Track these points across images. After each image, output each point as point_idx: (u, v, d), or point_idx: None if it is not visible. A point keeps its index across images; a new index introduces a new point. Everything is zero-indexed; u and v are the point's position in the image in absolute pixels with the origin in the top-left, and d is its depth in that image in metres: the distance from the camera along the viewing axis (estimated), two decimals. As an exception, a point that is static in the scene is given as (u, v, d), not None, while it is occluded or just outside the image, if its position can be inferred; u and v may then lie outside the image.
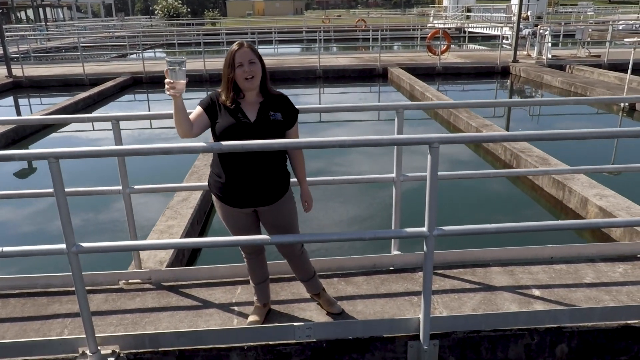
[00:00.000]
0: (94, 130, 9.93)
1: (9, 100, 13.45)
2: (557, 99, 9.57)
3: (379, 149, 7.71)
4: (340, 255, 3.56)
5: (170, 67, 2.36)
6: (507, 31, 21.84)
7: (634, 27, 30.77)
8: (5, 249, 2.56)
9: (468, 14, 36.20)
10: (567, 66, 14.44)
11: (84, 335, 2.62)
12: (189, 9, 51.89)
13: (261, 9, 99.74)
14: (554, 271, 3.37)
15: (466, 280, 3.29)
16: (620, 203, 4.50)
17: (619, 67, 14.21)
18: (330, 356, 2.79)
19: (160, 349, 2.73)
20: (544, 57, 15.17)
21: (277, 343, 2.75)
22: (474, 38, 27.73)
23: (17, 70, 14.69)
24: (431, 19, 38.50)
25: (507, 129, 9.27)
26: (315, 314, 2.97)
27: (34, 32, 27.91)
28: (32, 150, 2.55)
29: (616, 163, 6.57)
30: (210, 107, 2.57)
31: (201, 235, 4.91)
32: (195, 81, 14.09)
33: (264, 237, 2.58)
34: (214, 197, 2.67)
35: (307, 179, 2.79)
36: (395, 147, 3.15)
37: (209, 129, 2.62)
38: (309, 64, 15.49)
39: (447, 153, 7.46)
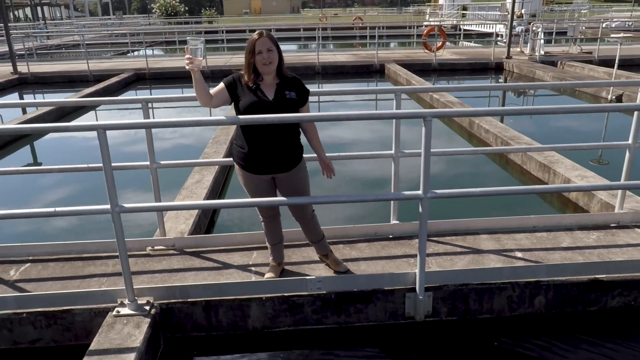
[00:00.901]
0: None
1: (14, 96, 13.76)
2: (537, 84, 9.98)
3: (379, 136, 8.13)
4: (345, 224, 3.95)
5: (191, 47, 2.76)
6: (501, 29, 22.31)
7: (626, 25, 31.31)
8: (58, 209, 2.96)
9: (464, 12, 36.62)
10: (559, 62, 14.88)
11: (123, 287, 3.02)
12: (186, 8, 51.97)
13: (258, 8, 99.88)
14: (535, 238, 3.78)
15: (457, 245, 3.70)
16: (599, 182, 4.91)
17: (608, 62, 14.61)
18: (338, 306, 3.19)
19: (189, 300, 3.13)
20: (537, 54, 15.60)
21: (292, 294, 3.15)
22: (470, 36, 28.18)
23: (21, 67, 15.02)
24: (427, 17, 38.90)
25: (502, 121, 9.67)
26: (324, 272, 3.37)
27: (34, 31, 28.14)
28: (83, 122, 2.94)
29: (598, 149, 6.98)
30: (232, 86, 2.96)
31: (215, 212, 5.31)
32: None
33: (281, 198, 2.99)
34: (236, 166, 3.06)
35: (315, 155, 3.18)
36: (394, 125, 3.54)
37: (231, 106, 3.02)
38: (307, 60, 15.86)
39: (443, 141, 7.88)
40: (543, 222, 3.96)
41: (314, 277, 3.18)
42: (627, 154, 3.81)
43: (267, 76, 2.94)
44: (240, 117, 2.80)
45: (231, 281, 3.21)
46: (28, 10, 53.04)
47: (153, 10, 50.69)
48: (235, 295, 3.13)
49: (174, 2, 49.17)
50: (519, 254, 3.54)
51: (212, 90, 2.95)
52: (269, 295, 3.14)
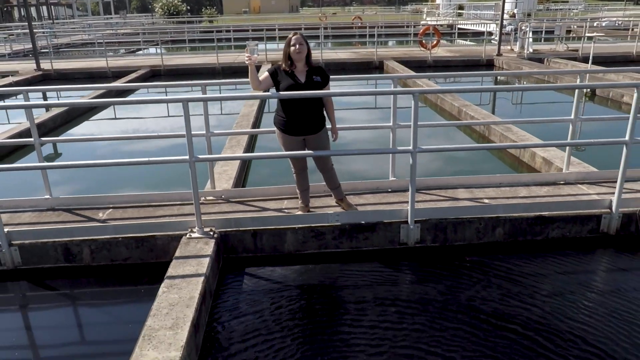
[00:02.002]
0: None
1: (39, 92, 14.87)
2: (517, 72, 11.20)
3: (379, 117, 9.28)
4: (352, 180, 5.11)
5: (250, 47, 3.92)
6: (494, 27, 23.49)
7: (616, 24, 32.52)
8: (141, 159, 4.12)
9: (460, 11, 37.77)
10: (546, 59, 16.06)
11: (194, 219, 4.18)
12: (188, 7, 53.03)
13: (257, 6, 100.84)
14: (500, 190, 4.94)
15: (440, 195, 4.86)
16: (557, 154, 6.06)
17: (601, 60, 15.84)
18: (350, 234, 4.35)
19: (241, 229, 4.28)
20: (525, 51, 16.78)
21: (317, 225, 4.31)
22: (465, 34, 29.32)
23: (43, 64, 16.13)
24: (424, 16, 40.06)
25: (493, 112, 10.82)
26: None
27: (43, 30, 29.18)
28: (169, 96, 4.10)
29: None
30: (274, 74, 4.12)
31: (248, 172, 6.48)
32: (209, 73, 15.61)
33: (310, 152, 4.15)
34: (277, 131, 4.22)
35: (327, 126, 4.33)
36: (392, 101, 4.71)
37: (273, 87, 4.18)
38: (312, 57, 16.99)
39: (435, 131, 9.03)
40: (507, 179, 5.13)
41: (333, 212, 4.34)
42: (571, 126, 4.98)
43: (299, 64, 4.09)
44: (282, 92, 3.96)
45: (274, 211, 4.38)
46: (32, 10, 54.03)
47: (155, 10, 51.69)
48: (275, 226, 4.29)
49: (176, 1, 50.34)
50: (486, 200, 4.70)
51: (260, 78, 4.11)
52: (300, 225, 4.30)
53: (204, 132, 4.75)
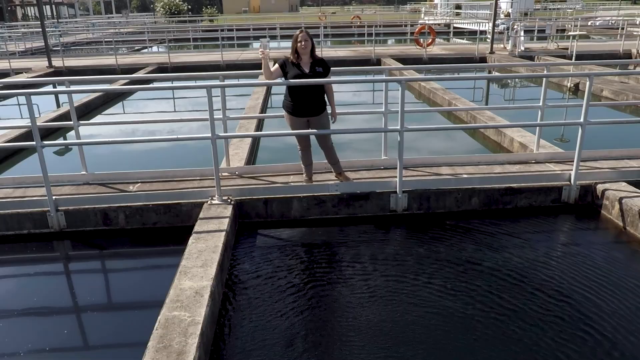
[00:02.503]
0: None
1: (50, 88, 15.58)
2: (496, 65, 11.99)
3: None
4: (350, 158, 5.85)
5: (263, 44, 4.67)
6: (490, 26, 24.22)
7: (609, 23, 33.28)
8: (164, 137, 4.86)
9: (457, 10, 38.51)
10: (536, 57, 16.80)
11: (214, 187, 4.92)
12: (189, 6, 53.74)
13: (257, 6, 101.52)
14: (478, 168, 5.68)
15: (425, 172, 5.59)
16: (533, 139, 6.78)
17: (580, 57, 16.58)
18: (347, 202, 5.09)
19: (254, 197, 5.02)
20: (517, 49, 17.53)
21: (319, 194, 5.05)
22: (462, 33, 30.05)
23: (55, 62, 16.86)
24: (422, 15, 40.81)
25: (486, 102, 11.57)
26: (337, 184, 5.27)
27: (54, 28, 29.88)
28: (208, 82, 4.84)
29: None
30: (283, 65, 4.86)
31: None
32: (214, 70, 16.33)
33: (314, 130, 4.90)
34: (285, 113, 4.96)
35: (328, 110, 5.08)
36: (384, 87, 5.46)
37: (282, 77, 4.92)
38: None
39: (425, 119, 9.76)
40: (484, 159, 5.88)
41: (333, 183, 5.09)
42: (540, 112, 5.73)
43: (304, 57, 4.83)
44: (290, 80, 4.71)
45: (282, 183, 5.13)
46: (32, 9, 54.73)
47: (157, 9, 52.40)
48: (283, 195, 5.03)
49: (177, 1, 51.09)
50: (464, 175, 5.44)
51: (272, 69, 4.86)
52: (304, 194, 5.04)
53: (221, 116, 5.48)
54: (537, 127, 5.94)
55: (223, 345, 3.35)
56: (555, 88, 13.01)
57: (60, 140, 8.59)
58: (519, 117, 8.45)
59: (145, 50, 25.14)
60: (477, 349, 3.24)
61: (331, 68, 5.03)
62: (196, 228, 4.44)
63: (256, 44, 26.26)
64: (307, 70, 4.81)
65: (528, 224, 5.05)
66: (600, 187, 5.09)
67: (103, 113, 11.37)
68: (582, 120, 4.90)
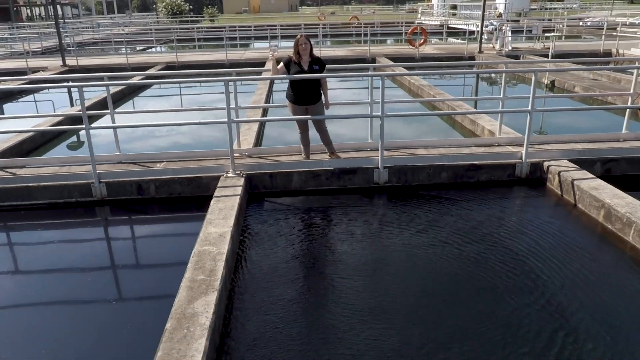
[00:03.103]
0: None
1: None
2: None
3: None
4: (341, 142, 6.96)
5: (272, 45, 5.79)
6: (488, 24, 25.31)
7: (599, 23, 34.33)
8: (188, 121, 5.97)
9: (453, 11, 39.59)
10: (521, 56, 17.88)
11: (229, 163, 6.02)
12: (190, 7, 54.82)
13: (257, 5, 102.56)
14: (449, 149, 6.77)
15: (404, 152, 6.69)
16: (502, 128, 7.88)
17: (563, 56, 17.69)
18: (339, 176, 6.20)
19: (261, 171, 6.13)
20: (504, 49, 18.62)
21: (315, 169, 6.16)
22: (457, 33, 31.13)
23: (69, 61, 17.95)
24: (419, 15, 41.91)
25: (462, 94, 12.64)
26: (330, 162, 6.38)
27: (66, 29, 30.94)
28: (212, 78, 5.94)
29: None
30: (287, 63, 5.97)
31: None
32: (219, 69, 17.46)
33: (311, 116, 6.01)
34: (288, 102, 6.08)
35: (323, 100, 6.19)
36: (369, 82, 6.56)
37: (285, 73, 6.03)
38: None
39: (409, 108, 10.87)
40: (455, 142, 6.98)
41: (327, 160, 6.19)
42: (500, 102, 6.84)
43: (304, 56, 5.93)
44: (293, 75, 5.82)
45: (285, 161, 6.24)
46: (35, 9, 55.85)
47: (159, 9, 53.45)
48: (285, 169, 6.14)
49: (179, 1, 52.18)
50: (437, 154, 6.54)
51: (277, 67, 5.97)
52: (302, 169, 6.14)
53: (234, 105, 6.58)
54: (499, 115, 7.04)
55: (241, 269, 4.46)
56: (527, 81, 14.10)
57: (103, 124, 9.51)
58: (489, 108, 9.56)
59: (152, 50, 26.21)
60: (439, 290, 4.36)
61: (327, 66, 6.13)
62: (216, 194, 5.55)
63: (257, 44, 27.40)
64: (306, 68, 5.92)
65: (487, 194, 6.15)
66: (546, 164, 6.20)
67: (121, 107, 12.48)
68: (529, 108, 6.01)
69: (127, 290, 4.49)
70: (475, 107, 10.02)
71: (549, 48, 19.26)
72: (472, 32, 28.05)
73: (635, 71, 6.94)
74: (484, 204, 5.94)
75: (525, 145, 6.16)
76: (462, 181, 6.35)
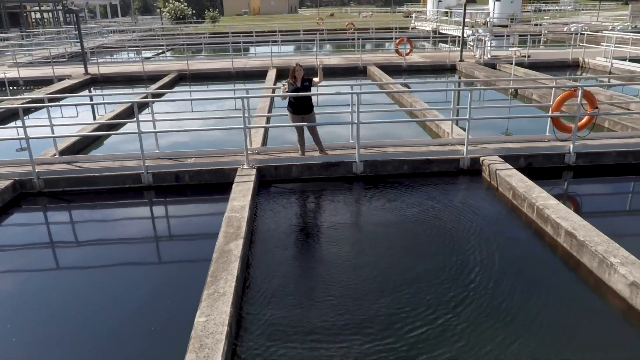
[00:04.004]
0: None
1: (87, 92, 18.76)
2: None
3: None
4: (329, 142, 9.05)
5: (282, 85, 7.89)
6: (468, 34, 27.45)
7: (582, 29, 36.42)
8: (211, 127, 8.08)
9: (445, 17, 41.64)
10: (497, 64, 19.98)
11: (244, 158, 8.14)
12: (193, 11, 56.91)
13: (257, 7, 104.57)
14: (412, 148, 8.86)
15: (375, 150, 8.79)
16: (457, 131, 9.96)
17: (536, 64, 19.82)
18: (326, 168, 8.30)
19: (269, 164, 8.24)
20: (483, 57, 20.71)
21: (308, 163, 8.27)
22: (446, 38, 33.24)
23: (90, 69, 20.03)
24: (413, 20, 43.99)
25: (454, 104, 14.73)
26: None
27: (65, 35, 33.04)
28: (231, 95, 8.05)
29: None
30: (288, 83, 8.09)
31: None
32: (225, 76, 19.59)
33: (306, 123, 8.13)
34: (288, 112, 8.21)
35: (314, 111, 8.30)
36: (350, 97, 8.68)
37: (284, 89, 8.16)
38: (308, 63, 20.88)
39: (390, 117, 12.94)
40: (417, 142, 9.09)
41: (317, 155, 8.31)
42: (452, 111, 8.94)
43: (299, 78, 8.05)
44: (291, 93, 7.94)
45: (285, 157, 8.36)
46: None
47: (163, 13, 55.54)
48: (287, 163, 8.24)
49: (182, 6, 54.27)
50: (400, 151, 8.63)
51: (282, 88, 8.09)
52: (299, 163, 8.25)
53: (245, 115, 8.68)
54: (450, 121, 9.15)
55: (257, 228, 6.57)
56: (502, 91, 16.18)
57: (154, 130, 11.73)
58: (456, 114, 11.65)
59: (162, 55, 28.32)
60: (392, 261, 6.47)
61: (322, 78, 8.25)
62: (236, 180, 7.65)
63: (259, 49, 29.53)
64: (299, 85, 8.03)
65: (437, 182, 8.23)
66: (482, 159, 8.30)
67: (143, 113, 14.56)
68: (467, 117, 8.12)
69: (173, 249, 6.62)
70: (434, 113, 12.13)
71: (523, 56, 21.40)
72: (460, 38, 30.08)
73: (553, 89, 9.05)
74: (434, 189, 8.01)
75: (465, 145, 8.27)
76: (419, 172, 8.44)
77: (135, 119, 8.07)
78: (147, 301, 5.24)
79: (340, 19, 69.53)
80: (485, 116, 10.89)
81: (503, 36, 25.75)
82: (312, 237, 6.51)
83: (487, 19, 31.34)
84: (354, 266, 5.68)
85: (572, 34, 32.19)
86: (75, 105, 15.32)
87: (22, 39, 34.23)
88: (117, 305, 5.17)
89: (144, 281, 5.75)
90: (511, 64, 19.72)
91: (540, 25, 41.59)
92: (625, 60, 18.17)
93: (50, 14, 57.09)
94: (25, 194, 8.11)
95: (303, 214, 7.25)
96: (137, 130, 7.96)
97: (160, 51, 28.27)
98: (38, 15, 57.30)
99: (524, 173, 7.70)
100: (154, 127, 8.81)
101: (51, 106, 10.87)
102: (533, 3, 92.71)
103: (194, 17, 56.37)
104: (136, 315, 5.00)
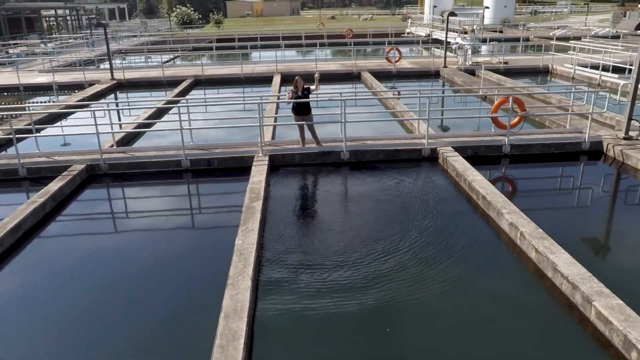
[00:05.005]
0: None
1: (112, 96, 21.51)
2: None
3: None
4: (323, 136, 11.80)
5: (288, 90, 10.69)
6: (459, 40, 30.21)
7: (567, 34, 39.10)
8: (234, 125, 10.87)
9: (436, 24, 44.39)
10: (477, 70, 22.67)
11: (259, 148, 10.91)
12: (199, 15, 59.75)
13: (259, 9, 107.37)
14: (388, 141, 11.61)
15: (358, 143, 11.53)
16: (422, 126, 12.66)
17: (511, 70, 22.53)
18: (321, 156, 11.05)
19: (277, 153, 11.01)
20: (464, 64, 23.41)
21: (307, 152, 11.03)
22: (441, 42, 35.95)
23: (116, 74, 22.80)
24: (408, 25, 46.77)
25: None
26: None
27: (81, 41, 35.84)
28: (247, 100, 10.87)
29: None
30: (293, 93, 10.87)
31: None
32: (235, 81, 22.37)
33: (305, 122, 10.91)
34: (292, 113, 10.99)
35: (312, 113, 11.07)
36: (340, 103, 11.46)
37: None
38: (309, 69, 23.60)
39: (373, 115, 15.66)
40: (393, 136, 11.83)
41: (314, 147, 11.07)
42: (418, 114, 11.70)
43: (300, 88, 10.82)
44: (294, 99, 10.72)
45: (290, 147, 11.13)
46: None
47: (171, 18, 58.40)
48: (291, 152, 11.01)
49: (189, 11, 57.12)
50: (378, 143, 11.37)
51: (287, 96, 10.88)
52: (300, 152, 11.01)
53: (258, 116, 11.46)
54: (417, 120, 11.91)
55: (271, 194, 9.33)
56: (470, 95, 18.87)
57: (190, 127, 14.53)
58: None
59: (176, 59, 31.14)
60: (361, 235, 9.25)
61: (318, 87, 10.99)
62: (254, 164, 10.40)
63: (264, 53, 32.29)
64: (300, 94, 10.79)
65: (405, 166, 10.95)
66: (438, 149, 11.03)
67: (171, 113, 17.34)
68: (426, 117, 10.87)
69: (209, 212, 9.40)
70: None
71: (499, 62, 24.12)
72: (450, 44, 32.73)
73: (496, 95, 11.76)
74: (400, 173, 10.74)
75: (426, 138, 11.01)
76: (391, 159, 11.17)
77: (170, 119, 10.86)
78: (198, 239, 8.02)
79: (341, 21, 72.42)
80: (444, 117, 13.69)
81: (486, 41, 28.43)
82: (309, 202, 9.28)
83: (474, 27, 34.02)
84: (342, 222, 8.44)
85: (552, 39, 34.88)
86: (129, 107, 18.13)
87: (44, 44, 37.05)
88: (174, 250, 7.94)
89: (190, 232, 8.54)
90: (489, 70, 22.48)
91: (529, 29, 44.34)
92: (586, 67, 20.86)
93: (62, 19, 59.96)
94: (94, 175, 10.89)
95: (303, 188, 10.01)
96: (179, 127, 10.73)
97: (174, 56, 31.12)
98: (52, 20, 60.20)
99: (471, 160, 10.43)
100: (189, 125, 11.58)
101: (116, 109, 13.66)
102: (530, 5, 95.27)
103: (200, 21, 59.16)
104: (190, 248, 7.78)
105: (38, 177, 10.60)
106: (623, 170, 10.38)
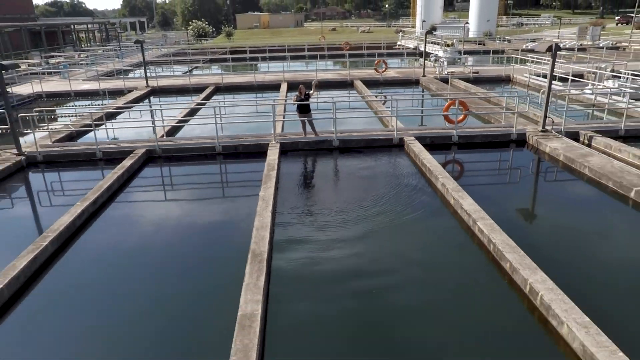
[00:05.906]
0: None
1: (148, 101, 24.70)
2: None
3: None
4: (320, 129, 14.98)
5: (294, 95, 13.93)
6: (440, 52, 33.38)
7: (539, 46, 42.13)
8: (249, 121, 14.09)
9: (422, 37, 47.46)
10: (449, 79, 25.77)
11: (272, 137, 14.12)
12: (213, 28, 63.09)
13: (266, 21, 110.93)
14: (369, 132, 14.79)
15: (346, 134, 14.71)
16: (403, 125, 15.80)
17: (478, 79, 25.67)
18: (317, 143, 14.24)
19: (286, 141, 14.21)
20: (440, 73, 26.53)
21: (308, 140, 14.23)
22: (428, 54, 39.04)
23: (150, 82, 26.00)
24: (400, 38, 49.92)
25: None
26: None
27: (105, 53, 39.09)
28: (261, 102, 14.12)
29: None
30: (297, 97, 14.09)
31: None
32: (248, 88, 25.58)
33: (306, 118, 14.13)
34: (297, 112, 14.20)
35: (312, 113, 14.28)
36: (332, 106, 14.68)
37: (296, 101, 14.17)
38: (310, 77, 26.75)
39: (364, 115, 18.81)
40: (372, 130, 15.01)
41: (312, 137, 14.27)
42: (390, 113, 14.88)
43: (302, 93, 14.02)
44: (299, 101, 13.94)
45: (295, 137, 14.35)
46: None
47: (188, 31, 61.75)
48: (296, 140, 14.19)
49: (203, 25, 60.45)
50: (362, 134, 14.55)
51: (293, 100, 14.11)
52: (303, 140, 14.20)
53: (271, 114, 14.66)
54: (393, 116, 15.08)
55: (282, 171, 12.53)
56: (438, 98, 22.02)
57: (221, 122, 17.79)
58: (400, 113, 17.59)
59: (196, 69, 34.39)
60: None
61: (318, 87, 14.17)
62: (269, 149, 13.58)
63: (272, 64, 35.51)
64: (302, 98, 13.99)
65: (379, 151, 14.09)
66: (405, 138, 14.19)
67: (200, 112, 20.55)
68: (395, 114, 14.05)
69: (237, 183, 12.61)
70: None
71: (471, 72, 27.25)
72: (429, 56, 35.84)
73: (448, 97, 14.90)
74: (376, 156, 13.89)
75: (395, 130, 14.18)
76: (370, 146, 14.33)
77: (203, 115, 14.01)
78: (230, 197, 11.25)
79: (341, 33, 75.64)
80: (411, 115, 16.83)
81: (461, 54, 31.55)
82: (309, 175, 12.48)
83: (454, 41, 37.16)
84: (332, 186, 11.62)
85: (519, 51, 37.78)
86: (173, 108, 21.36)
87: (79, 56, 40.35)
88: (212, 206, 11.15)
89: (224, 193, 11.75)
90: (459, 79, 25.62)
91: (509, 42, 47.39)
92: (539, 76, 23.97)
93: (92, 32, 63.35)
94: (151, 157, 14.10)
95: (306, 166, 13.20)
96: (214, 122, 13.96)
97: (194, 66, 34.39)
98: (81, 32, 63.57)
99: (429, 147, 13.59)
100: (221, 120, 14.79)
101: (160, 109, 16.91)
102: (515, 17, 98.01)
103: (213, 33, 62.45)
104: (225, 203, 10.98)
105: (111, 158, 13.82)
106: (539, 155, 13.53)
